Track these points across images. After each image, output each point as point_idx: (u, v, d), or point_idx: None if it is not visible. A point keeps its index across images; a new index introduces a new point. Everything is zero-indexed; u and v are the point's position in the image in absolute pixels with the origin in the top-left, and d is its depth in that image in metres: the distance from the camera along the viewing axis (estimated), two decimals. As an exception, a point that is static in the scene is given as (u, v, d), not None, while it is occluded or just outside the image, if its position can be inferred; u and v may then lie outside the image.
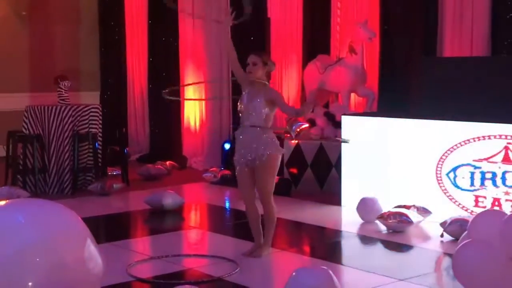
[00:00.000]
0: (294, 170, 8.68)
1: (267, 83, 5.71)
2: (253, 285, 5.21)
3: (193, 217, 7.99)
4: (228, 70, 10.29)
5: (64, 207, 3.81)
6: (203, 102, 10.75)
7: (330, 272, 4.25)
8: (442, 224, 6.28)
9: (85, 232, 3.78)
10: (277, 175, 8.32)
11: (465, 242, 4.14)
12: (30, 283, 3.36)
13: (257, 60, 5.62)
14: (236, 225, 7.21)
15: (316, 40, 9.73)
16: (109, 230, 7.25)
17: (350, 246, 6.51)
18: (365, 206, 6.96)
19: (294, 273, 4.23)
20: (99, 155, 8.95)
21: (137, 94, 12.04)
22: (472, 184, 6.63)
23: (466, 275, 4.12)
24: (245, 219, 5.97)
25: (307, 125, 8.75)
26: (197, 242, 6.72)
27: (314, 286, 4.08)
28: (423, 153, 6.97)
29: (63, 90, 9.11)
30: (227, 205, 8.33)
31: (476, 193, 6.62)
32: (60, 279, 3.55)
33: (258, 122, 5.57)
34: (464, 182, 6.68)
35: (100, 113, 9.07)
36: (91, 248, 3.73)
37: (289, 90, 9.90)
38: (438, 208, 6.75)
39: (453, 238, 6.11)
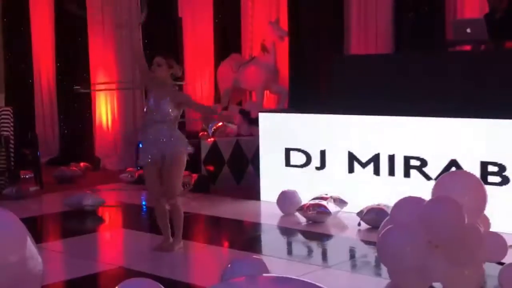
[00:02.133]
0: (211, 168, 8.82)
1: (174, 86, 5.82)
2: (187, 279, 5.34)
3: (113, 217, 8.00)
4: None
5: (0, 207, 3.80)
6: (115, 102, 10.72)
7: (264, 261, 4.42)
8: (359, 214, 6.60)
9: (24, 232, 3.79)
10: (195, 173, 8.51)
11: (388, 227, 4.43)
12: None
13: (162, 61, 5.71)
14: (155, 222, 7.28)
15: (228, 39, 9.90)
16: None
17: (271, 237, 6.72)
18: (285, 199, 7.20)
19: (229, 264, 4.37)
20: (12, 158, 8.78)
21: (45, 95, 11.82)
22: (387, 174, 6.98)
23: (390, 257, 4.40)
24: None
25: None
26: (117, 241, 6.78)
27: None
28: (335, 145, 7.27)
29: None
30: (143, 203, 8.40)
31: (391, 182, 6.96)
32: (1, 279, 3.56)
33: (165, 123, 5.67)
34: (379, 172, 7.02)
35: (12, 115, 8.91)
36: (31, 247, 3.75)
37: (202, 89, 10.04)
38: (354, 198, 7.04)
39: (369, 226, 6.43)
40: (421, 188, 6.61)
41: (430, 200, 4.33)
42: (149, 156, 5.72)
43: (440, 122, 6.57)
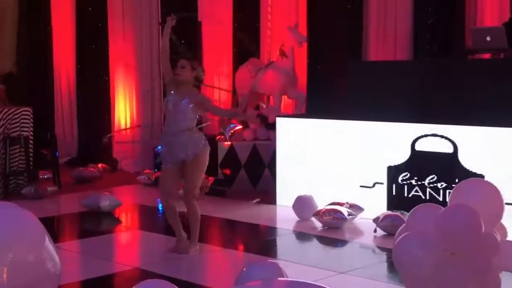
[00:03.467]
0: (228, 171, 8.84)
1: (194, 87, 5.86)
2: (202, 281, 5.36)
3: (130, 218, 8.05)
4: (159, 73, 10.39)
5: (19, 206, 3.83)
6: (134, 104, 10.80)
7: (280, 266, 4.43)
8: (375, 220, 6.58)
9: (43, 231, 3.82)
10: (212, 176, 8.54)
11: (404, 234, 4.41)
12: (-11, 284, 3.38)
13: (186, 63, 5.78)
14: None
15: (247, 44, 9.92)
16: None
17: (286, 242, 6.73)
18: (301, 204, 7.20)
19: (244, 268, 4.38)
20: (31, 159, 8.87)
21: (65, 96, 11.92)
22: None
23: (406, 264, 4.39)
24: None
25: (240, 126, 8.96)
26: (133, 242, 6.83)
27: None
28: (352, 152, 7.27)
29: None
30: (160, 206, 8.44)
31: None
32: (19, 279, 3.59)
33: (185, 124, 5.72)
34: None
35: (32, 115, 9.00)
36: (50, 247, 3.78)
37: (221, 93, 10.07)
38: (370, 204, 7.03)
39: (385, 233, 6.42)
40: (437, 195, 6.62)
41: (447, 208, 4.32)
42: (168, 161, 5.79)
43: (458, 130, 6.55)
